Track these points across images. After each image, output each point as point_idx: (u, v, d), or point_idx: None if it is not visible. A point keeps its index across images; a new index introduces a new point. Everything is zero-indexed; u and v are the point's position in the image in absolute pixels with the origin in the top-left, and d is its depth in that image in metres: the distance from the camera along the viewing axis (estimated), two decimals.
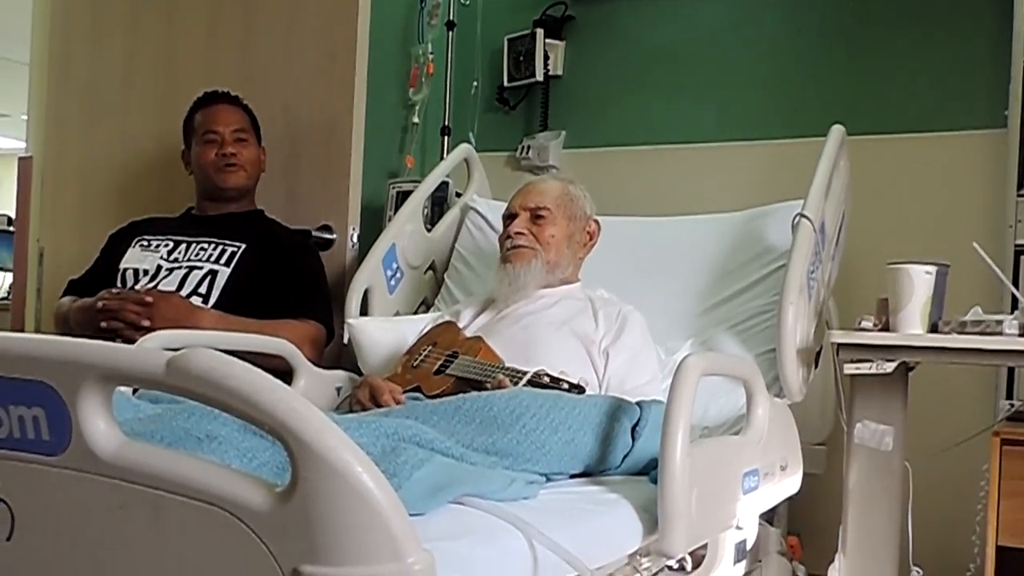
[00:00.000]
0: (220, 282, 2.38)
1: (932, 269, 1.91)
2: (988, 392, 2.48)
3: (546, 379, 1.77)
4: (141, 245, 2.49)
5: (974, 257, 1.94)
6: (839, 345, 1.92)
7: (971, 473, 2.01)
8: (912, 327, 1.89)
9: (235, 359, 0.86)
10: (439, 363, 2.00)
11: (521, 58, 3.22)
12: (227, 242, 2.45)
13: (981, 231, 2.40)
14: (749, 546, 1.85)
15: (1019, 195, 2.44)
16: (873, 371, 1.87)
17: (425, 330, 2.21)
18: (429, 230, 2.75)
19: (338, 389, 2.28)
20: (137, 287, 2.37)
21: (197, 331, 2.12)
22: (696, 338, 2.27)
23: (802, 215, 2.06)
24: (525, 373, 1.80)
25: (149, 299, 2.21)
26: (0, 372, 0.93)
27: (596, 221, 2.28)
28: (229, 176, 2.51)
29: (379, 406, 1.81)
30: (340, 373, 2.32)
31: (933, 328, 1.90)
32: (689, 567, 1.66)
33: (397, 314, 2.55)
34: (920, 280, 1.89)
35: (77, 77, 3.14)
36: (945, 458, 2.01)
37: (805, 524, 2.37)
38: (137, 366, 0.89)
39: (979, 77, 2.62)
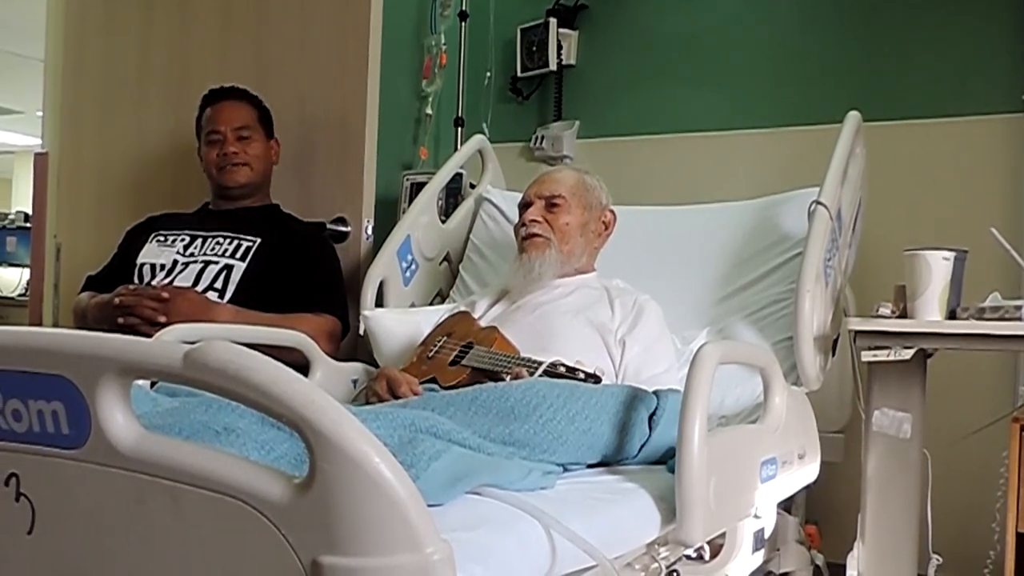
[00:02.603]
0: (236, 277, 2.38)
1: (950, 255, 1.90)
2: (1007, 378, 2.47)
3: (562, 369, 1.77)
4: (158, 240, 2.50)
5: (992, 243, 1.93)
6: (857, 332, 1.91)
7: (990, 460, 2.00)
8: (930, 314, 1.88)
9: (252, 351, 0.86)
10: (454, 354, 2.00)
11: (534, 48, 3.21)
12: (243, 237, 2.45)
13: (999, 216, 2.39)
14: (767, 535, 1.85)
15: None
16: (891, 358, 1.87)
17: (440, 321, 2.21)
18: (444, 221, 2.75)
19: (354, 381, 2.28)
20: (153, 282, 2.38)
21: (214, 325, 2.13)
22: (712, 327, 2.26)
23: (818, 202, 2.05)
24: (541, 363, 1.79)
25: (165, 295, 2.22)
26: (19, 366, 0.93)
27: (612, 211, 2.27)
28: (231, 175, 2.51)
29: (396, 398, 1.81)
30: (356, 365, 2.33)
31: (951, 314, 1.90)
32: (707, 556, 1.66)
33: (412, 306, 2.56)
34: (938, 266, 1.88)
35: (92, 73, 3.15)
36: (964, 445, 2.00)
37: (823, 512, 2.36)
38: (155, 359, 0.89)
39: (996, 61, 2.61)
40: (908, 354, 1.87)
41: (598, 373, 1.80)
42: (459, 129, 3.27)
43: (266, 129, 2.58)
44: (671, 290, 2.31)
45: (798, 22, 2.89)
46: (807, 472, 1.89)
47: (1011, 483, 1.82)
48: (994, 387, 2.47)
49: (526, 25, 3.24)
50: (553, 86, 3.24)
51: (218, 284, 2.37)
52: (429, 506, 0.87)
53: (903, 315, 1.93)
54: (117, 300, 2.25)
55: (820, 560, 2.21)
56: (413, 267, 2.58)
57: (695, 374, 1.39)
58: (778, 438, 1.71)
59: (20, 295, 5.97)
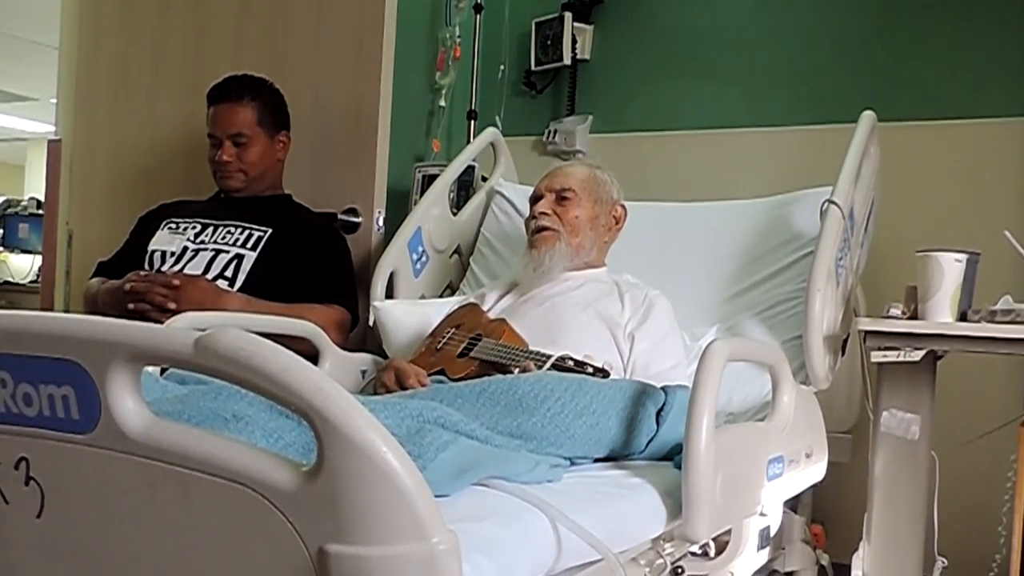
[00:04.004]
0: (246, 266, 2.39)
1: (962, 257, 1.89)
2: (1017, 382, 2.46)
3: (570, 363, 1.77)
4: (169, 228, 2.51)
5: (1005, 245, 1.92)
6: (867, 332, 1.90)
7: (998, 463, 2.00)
8: (941, 315, 1.88)
9: (263, 339, 0.86)
10: (462, 346, 2.01)
11: (549, 42, 3.21)
12: (254, 226, 2.46)
13: (1013, 219, 2.38)
14: (773, 533, 1.85)
15: None
16: (901, 359, 1.86)
17: (449, 313, 2.21)
18: (455, 214, 2.75)
19: (363, 372, 2.29)
20: (163, 269, 2.38)
21: (224, 313, 2.14)
22: (722, 324, 2.26)
23: (831, 201, 2.04)
24: (549, 357, 1.79)
25: (176, 282, 2.22)
26: (30, 351, 0.94)
27: (622, 206, 2.27)
28: (225, 180, 2.53)
29: (404, 389, 1.81)
30: (365, 356, 2.33)
31: (962, 317, 1.89)
32: (712, 553, 1.66)
33: (422, 297, 2.56)
34: (950, 268, 1.87)
35: (106, 61, 3.16)
36: (972, 448, 1.99)
37: (830, 513, 2.36)
38: (165, 345, 0.90)
39: (1012, 64, 2.59)
40: (918, 355, 1.86)
41: (606, 367, 1.80)
42: (472, 122, 3.27)
43: (269, 126, 2.54)
44: (681, 286, 2.31)
45: (814, 20, 2.89)
46: (814, 471, 1.89)
47: (1019, 487, 1.81)
48: (1004, 391, 2.46)
49: (541, 19, 3.24)
50: (567, 80, 3.24)
51: (228, 273, 2.38)
52: (436, 496, 0.87)
53: (914, 316, 1.92)
54: (128, 286, 2.26)
55: (825, 560, 2.20)
56: (424, 259, 2.58)
57: (704, 370, 1.39)
58: (785, 437, 1.71)
59: (31, 282, 5.98)
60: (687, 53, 3.06)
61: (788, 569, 2.11)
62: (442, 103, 3.23)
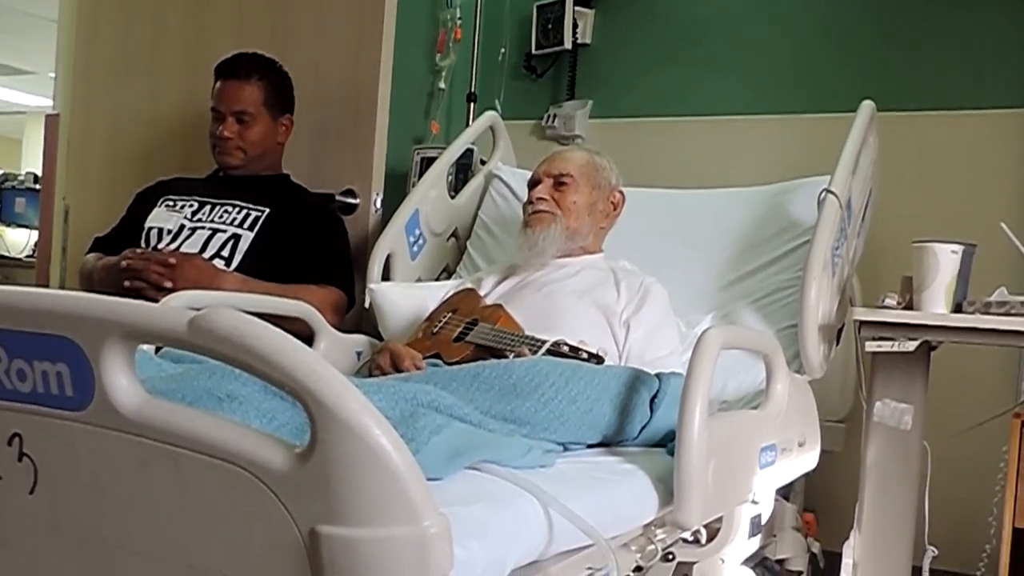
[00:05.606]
0: (243, 246, 2.39)
1: (958, 248, 1.89)
2: (1010, 373, 2.47)
3: (565, 348, 1.77)
4: (167, 205, 2.51)
5: (1001, 237, 1.92)
6: (861, 322, 1.91)
7: (990, 454, 2.01)
8: (936, 306, 1.88)
9: (258, 319, 0.86)
10: (458, 330, 2.01)
11: (550, 25, 3.20)
12: (251, 206, 2.45)
13: (1009, 211, 2.38)
14: (764, 520, 1.85)
15: None
16: (895, 349, 1.86)
17: (446, 297, 2.21)
18: (453, 197, 2.75)
19: (358, 354, 2.29)
20: (160, 247, 2.38)
21: (219, 292, 2.13)
22: (717, 312, 2.26)
23: (828, 191, 2.04)
24: (544, 342, 1.80)
25: (172, 260, 2.22)
26: (24, 327, 0.94)
27: (621, 192, 2.27)
28: (223, 156, 2.52)
29: (399, 372, 1.81)
30: (360, 337, 2.33)
31: (957, 308, 1.89)
32: (704, 539, 1.67)
33: (419, 280, 2.56)
34: (946, 259, 1.88)
35: (106, 35, 3.14)
36: (964, 438, 2.00)
37: (821, 501, 2.37)
38: (160, 324, 0.90)
39: (1012, 55, 2.59)
40: (912, 346, 1.87)
41: (601, 354, 1.80)
42: (471, 104, 3.26)
43: (274, 108, 2.53)
44: (678, 273, 2.31)
45: (815, 9, 2.88)
46: (806, 460, 1.89)
47: (1010, 478, 1.82)
48: (997, 382, 2.47)
49: (542, 2, 3.23)
50: (567, 64, 3.23)
51: (225, 252, 2.37)
52: (428, 480, 0.88)
53: (909, 307, 1.93)
54: (124, 264, 2.25)
55: (816, 548, 2.21)
56: (421, 242, 2.58)
57: (698, 358, 1.39)
58: (779, 425, 1.71)
59: (28, 256, 5.98)
60: (688, 40, 3.05)
61: (779, 557, 2.12)
62: (442, 85, 3.22)
